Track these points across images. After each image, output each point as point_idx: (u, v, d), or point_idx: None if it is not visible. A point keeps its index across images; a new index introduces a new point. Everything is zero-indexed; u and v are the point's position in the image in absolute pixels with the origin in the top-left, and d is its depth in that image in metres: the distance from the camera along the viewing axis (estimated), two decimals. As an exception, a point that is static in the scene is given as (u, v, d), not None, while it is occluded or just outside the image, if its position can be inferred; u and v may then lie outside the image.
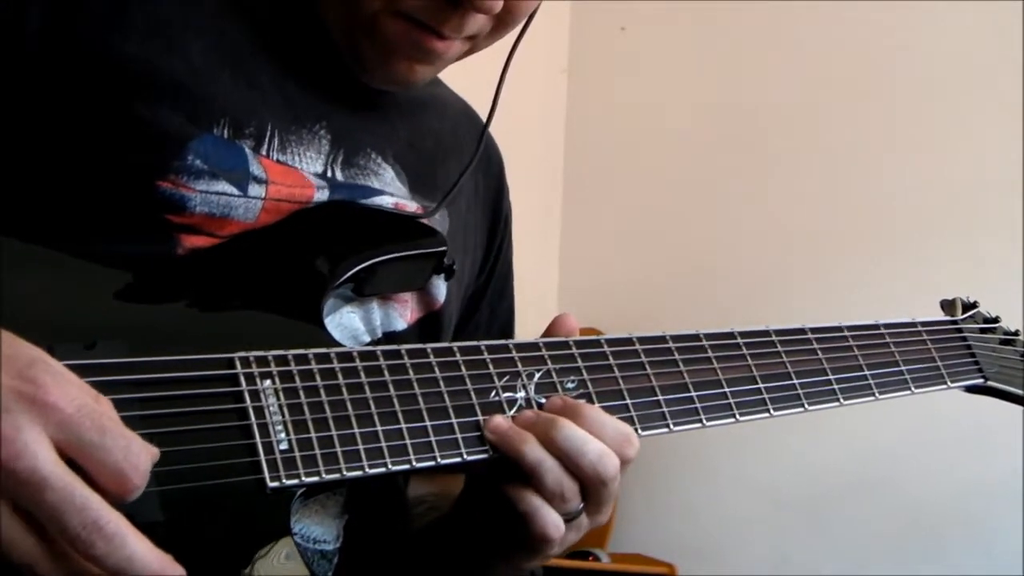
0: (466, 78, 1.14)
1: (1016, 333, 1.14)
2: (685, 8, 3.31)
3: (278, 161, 0.86)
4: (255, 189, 0.83)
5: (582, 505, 0.78)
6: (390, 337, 0.92)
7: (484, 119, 1.13)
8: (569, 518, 0.77)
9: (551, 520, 0.76)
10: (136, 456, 0.58)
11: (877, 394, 0.98)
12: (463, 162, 1.07)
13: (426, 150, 1.01)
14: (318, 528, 0.87)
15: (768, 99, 3.14)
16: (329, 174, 0.90)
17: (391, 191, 0.94)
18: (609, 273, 3.27)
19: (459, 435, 0.77)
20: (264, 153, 0.85)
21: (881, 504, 2.82)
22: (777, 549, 2.97)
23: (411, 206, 0.94)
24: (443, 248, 0.89)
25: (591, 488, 0.77)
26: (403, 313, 0.93)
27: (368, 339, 0.90)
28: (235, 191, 0.82)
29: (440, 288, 0.95)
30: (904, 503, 2.79)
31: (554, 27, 3.24)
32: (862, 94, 3.01)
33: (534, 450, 0.75)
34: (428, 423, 0.76)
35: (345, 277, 0.83)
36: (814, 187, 3.07)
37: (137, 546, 0.57)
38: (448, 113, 1.09)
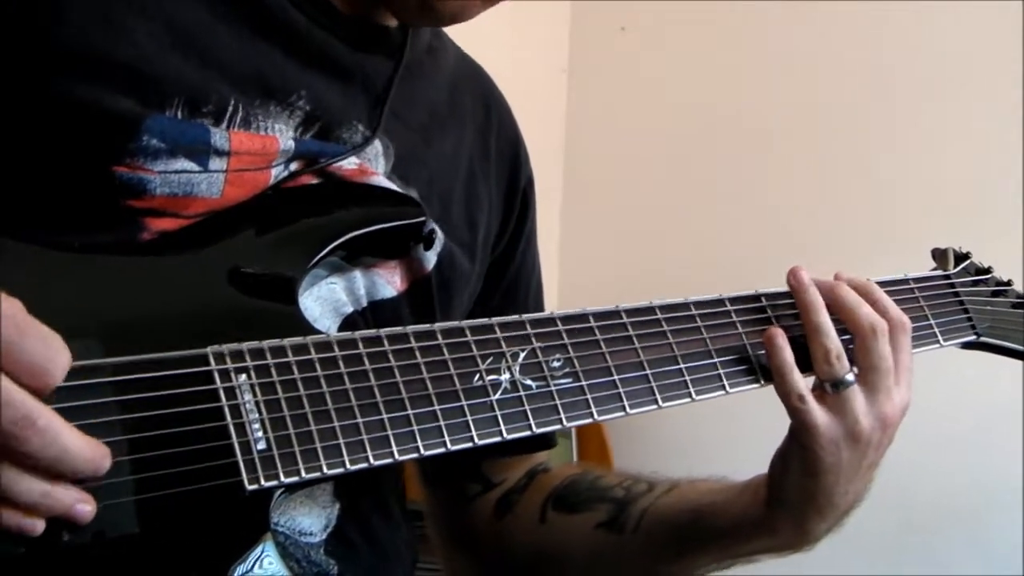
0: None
1: (1008, 283, 1.09)
2: (685, 8, 3.29)
3: (242, 131, 0.81)
4: (216, 162, 0.79)
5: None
6: (377, 306, 0.87)
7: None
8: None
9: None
10: (55, 351, 0.58)
11: None
12: (461, 134, 1.01)
13: (418, 124, 0.96)
14: (305, 519, 0.84)
15: (768, 99, 3.11)
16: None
17: (368, 159, 0.90)
18: (609, 273, 3.23)
19: (442, 423, 0.73)
20: (226, 127, 0.80)
21: (880, 503, 2.76)
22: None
23: (382, 178, 0.89)
24: (421, 219, 0.85)
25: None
26: (391, 280, 0.89)
27: (351, 309, 0.86)
28: (195, 167, 0.78)
29: (427, 253, 0.91)
30: (903, 502, 2.72)
31: (554, 27, 3.22)
32: (863, 94, 2.98)
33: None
34: (410, 412, 0.72)
35: (320, 256, 0.80)
36: (814, 187, 3.03)
37: (70, 437, 0.57)
38: (446, 79, 1.03)
